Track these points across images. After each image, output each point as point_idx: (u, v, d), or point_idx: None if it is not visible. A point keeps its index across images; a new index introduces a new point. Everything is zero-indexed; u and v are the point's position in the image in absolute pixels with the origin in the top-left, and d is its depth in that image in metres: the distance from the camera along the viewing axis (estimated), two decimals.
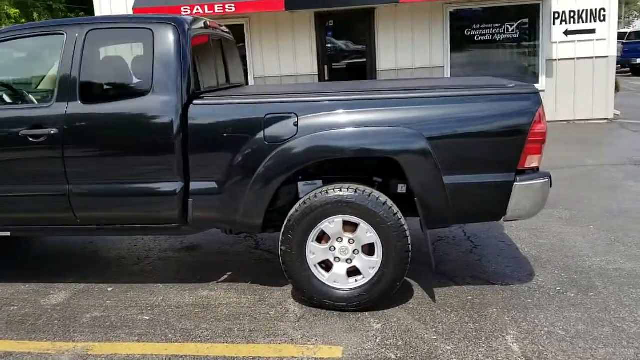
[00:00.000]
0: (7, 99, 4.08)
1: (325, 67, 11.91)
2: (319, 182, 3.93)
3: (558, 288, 4.05)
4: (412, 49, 11.70)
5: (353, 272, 3.74)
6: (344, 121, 3.60)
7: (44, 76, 3.88)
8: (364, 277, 3.71)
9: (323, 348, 3.32)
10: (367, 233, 3.64)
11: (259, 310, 3.83)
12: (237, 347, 3.36)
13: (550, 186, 3.70)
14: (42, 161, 3.84)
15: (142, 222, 3.89)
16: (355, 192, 3.60)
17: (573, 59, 11.56)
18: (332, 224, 3.66)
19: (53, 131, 3.76)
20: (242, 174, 3.68)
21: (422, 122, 3.55)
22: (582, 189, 6.74)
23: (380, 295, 3.71)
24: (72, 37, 3.80)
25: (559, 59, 11.58)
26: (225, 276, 4.47)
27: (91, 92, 3.86)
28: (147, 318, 3.78)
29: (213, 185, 3.73)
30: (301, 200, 3.67)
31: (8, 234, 4.04)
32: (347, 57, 12.22)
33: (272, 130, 3.63)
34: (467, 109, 3.56)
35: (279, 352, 3.29)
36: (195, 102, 3.73)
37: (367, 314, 3.73)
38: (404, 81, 5.81)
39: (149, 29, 3.77)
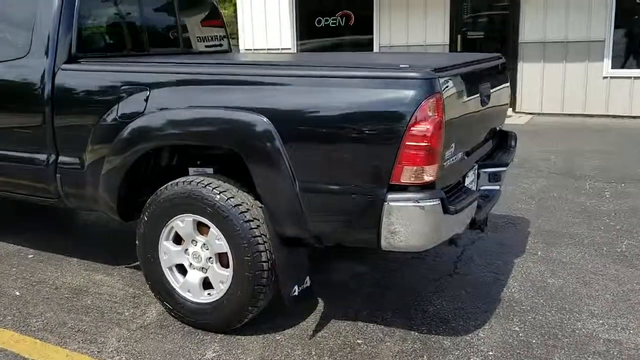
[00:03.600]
0: None
1: (459, 36, 10.57)
2: (210, 170, 3.30)
3: (491, 353, 2.91)
4: (566, 18, 9.78)
5: (209, 284, 3.10)
6: (187, 101, 2.92)
7: None
8: (216, 292, 3.04)
9: None
10: (216, 239, 2.95)
11: (118, 308, 3.40)
12: (42, 347, 2.99)
13: (446, 212, 2.59)
14: None
15: (27, 193, 3.67)
16: (205, 187, 2.92)
17: None
18: (182, 223, 3.04)
19: None
20: (97, 153, 3.22)
21: (273, 109, 2.70)
22: None
23: (229, 319, 3.01)
24: None
25: None
26: None
27: None
28: (18, 294, 3.59)
29: (76, 160, 3.34)
30: (154, 193, 3.10)
31: None
32: (485, 26, 10.69)
33: (125, 105, 3.10)
34: (330, 96, 2.61)
35: None
36: (63, 67, 3.33)
37: (218, 337, 3.07)
38: (295, 56, 4.65)
39: None
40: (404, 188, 2.54)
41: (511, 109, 10.49)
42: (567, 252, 4.20)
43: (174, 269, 3.16)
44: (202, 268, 3.08)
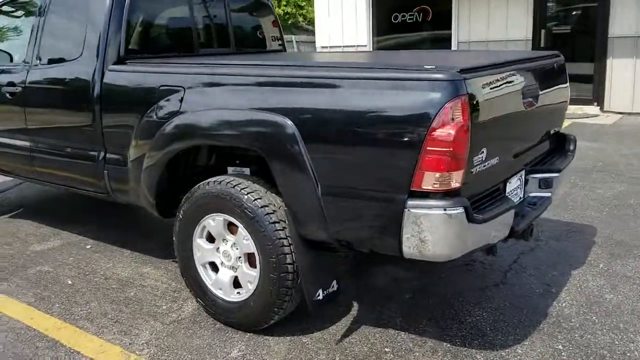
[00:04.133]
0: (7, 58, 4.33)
1: (543, 31, 10.05)
2: (247, 170, 3.32)
3: None
4: None
5: (239, 283, 3.12)
6: (214, 102, 2.96)
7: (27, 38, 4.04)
8: (245, 292, 3.06)
9: None
10: (244, 239, 2.97)
11: (157, 301, 3.50)
12: (80, 335, 3.13)
13: (471, 221, 2.44)
14: (15, 116, 4.04)
15: (83, 187, 3.85)
16: (234, 187, 2.94)
17: None
18: (213, 222, 3.08)
19: (19, 89, 3.93)
20: (138, 150, 3.32)
21: (294, 110, 2.67)
22: None
23: (256, 319, 3.01)
24: (41, 3, 3.90)
25: None
26: None
27: (46, 55, 3.89)
28: (70, 283, 3.78)
29: (121, 157, 3.46)
30: (189, 192, 3.16)
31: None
32: (571, 19, 10.08)
33: (163, 104, 3.17)
34: (352, 98, 2.54)
35: (100, 352, 2.95)
36: (110, 68, 3.46)
37: (247, 336, 3.08)
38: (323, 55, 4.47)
39: None
40: (425, 195, 2.43)
41: (598, 107, 9.86)
42: (633, 265, 3.87)
43: (207, 266, 3.21)
44: (232, 267, 3.10)
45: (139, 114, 3.29)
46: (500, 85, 2.68)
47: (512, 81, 2.81)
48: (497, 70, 2.67)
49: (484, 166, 2.62)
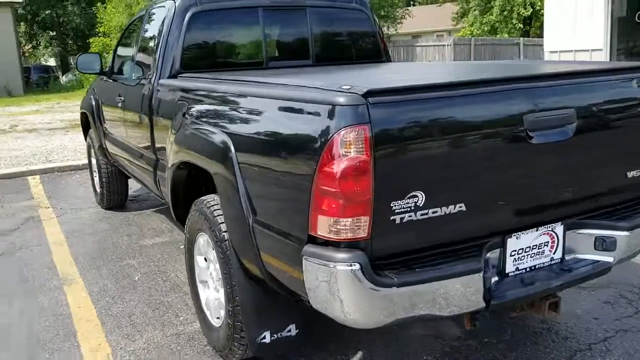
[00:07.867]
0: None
1: None
2: None
3: None
4: None
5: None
6: (197, 118, 2.87)
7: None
8: (220, 319, 2.92)
9: None
10: (217, 262, 2.83)
11: (181, 311, 3.55)
12: (94, 331, 3.34)
13: (372, 282, 1.91)
14: (121, 124, 4.49)
15: (155, 192, 4.09)
16: (209, 207, 2.82)
17: None
18: (202, 240, 3.01)
19: (122, 99, 4.36)
20: (166, 161, 3.41)
21: (231, 129, 2.47)
22: None
23: (225, 351, 2.84)
24: (139, 28, 4.28)
25: None
26: None
27: (135, 71, 4.23)
28: (136, 279, 4.06)
29: (163, 164, 3.60)
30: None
31: None
32: None
33: (177, 119, 3.20)
34: (262, 120, 2.27)
35: (94, 351, 3.12)
36: (161, 82, 3.61)
37: None
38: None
39: (163, 6, 3.82)
40: (325, 242, 1.99)
41: None
42: None
43: (205, 284, 3.14)
44: (216, 289, 2.98)
45: (168, 125, 3.37)
46: (454, 110, 2.04)
47: (487, 106, 2.12)
48: (447, 92, 2.03)
49: (426, 215, 2.02)
